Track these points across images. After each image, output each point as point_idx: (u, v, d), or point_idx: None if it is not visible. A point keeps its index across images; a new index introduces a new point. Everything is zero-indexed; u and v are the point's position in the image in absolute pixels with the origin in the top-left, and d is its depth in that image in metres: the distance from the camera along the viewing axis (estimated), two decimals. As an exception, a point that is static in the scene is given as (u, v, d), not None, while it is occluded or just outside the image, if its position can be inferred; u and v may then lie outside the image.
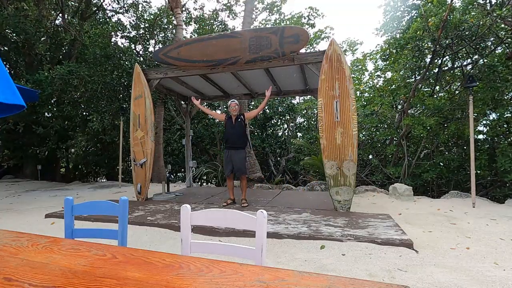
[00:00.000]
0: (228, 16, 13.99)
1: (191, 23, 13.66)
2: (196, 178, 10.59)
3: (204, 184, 11.51)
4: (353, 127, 4.50)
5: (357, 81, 11.61)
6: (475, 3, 6.43)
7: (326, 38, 15.58)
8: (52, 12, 11.42)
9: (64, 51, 11.56)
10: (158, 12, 13.33)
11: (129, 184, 9.49)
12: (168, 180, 6.84)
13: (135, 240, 3.50)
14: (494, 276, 2.44)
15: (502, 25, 6.30)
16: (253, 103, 12.55)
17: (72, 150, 12.63)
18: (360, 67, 11.86)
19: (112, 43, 9.88)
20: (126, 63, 8.73)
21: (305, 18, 14.31)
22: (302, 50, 4.88)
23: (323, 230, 3.55)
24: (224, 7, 13.91)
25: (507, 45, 6.29)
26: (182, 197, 6.18)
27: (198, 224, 1.34)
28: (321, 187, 7.38)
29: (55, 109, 10.39)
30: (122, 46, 11.80)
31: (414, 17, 7.79)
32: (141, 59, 11.58)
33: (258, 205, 5.15)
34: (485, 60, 6.33)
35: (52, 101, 10.24)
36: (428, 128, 6.33)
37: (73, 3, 12.85)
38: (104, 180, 12.54)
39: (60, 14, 11.22)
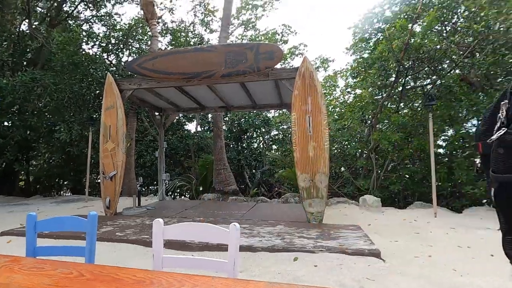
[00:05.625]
0: (205, 30, 14.14)
1: (167, 34, 13.62)
2: (169, 191, 10.30)
3: (178, 197, 11.21)
4: (325, 141, 4.68)
5: (329, 97, 12.11)
6: (433, 29, 7.07)
7: (300, 54, 16.20)
8: (18, 17, 10.88)
9: (29, 57, 10.98)
10: (133, 23, 13.17)
11: (97, 198, 9.02)
12: (139, 193, 6.61)
13: (103, 258, 3.32)
14: (452, 282, 2.62)
15: (457, 50, 6.97)
16: (228, 115, 12.58)
17: (34, 162, 11.81)
18: (332, 83, 12.42)
19: (82, 51, 9.56)
20: (98, 72, 8.46)
21: (279, 35, 14.83)
22: (278, 65, 5.05)
23: (296, 242, 3.61)
24: (201, 21, 14.07)
25: (461, 67, 6.94)
26: (154, 211, 5.98)
27: (171, 239, 1.33)
28: (295, 199, 7.49)
29: (16, 118, 9.74)
30: (93, 54, 11.46)
31: (380, 39, 8.38)
32: (114, 68, 11.29)
33: (232, 218, 5.11)
34: (442, 81, 6.92)
35: (13, 109, 9.60)
36: (394, 142, 6.73)
37: (40, 9, 12.34)
38: (69, 194, 11.81)
39: (27, 20, 10.71)
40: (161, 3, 13.09)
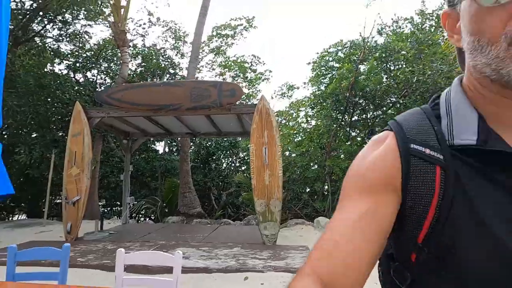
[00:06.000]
0: (176, 55, 14.66)
1: (137, 57, 13.91)
2: (133, 213, 10.23)
3: (142, 219, 11.13)
4: (279, 170, 5.26)
5: (293, 122, 13.00)
6: (379, 68, 8.21)
7: (266, 80, 17.25)
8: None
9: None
10: (103, 43, 13.34)
11: (55, 222, 8.76)
12: (102, 217, 6.67)
13: (64, 283, 3.50)
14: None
15: (396, 90, 8.12)
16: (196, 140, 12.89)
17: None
18: (295, 110, 13.38)
19: (49, 73, 9.55)
20: (65, 94, 8.52)
21: (248, 64, 15.74)
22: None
23: (249, 263, 4.04)
24: (172, 46, 14.61)
25: (399, 105, 8.07)
26: (117, 236, 6.09)
27: (131, 264, 1.74)
28: (256, 221, 7.94)
29: (-30, 137, 9.32)
30: (60, 73, 11.38)
31: (334, 74, 9.44)
32: (81, 88, 11.28)
33: (194, 241, 5.42)
34: (384, 115, 7.98)
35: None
36: (344, 169, 7.54)
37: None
38: (24, 217, 11.21)
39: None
40: (133, 29, 13.49)
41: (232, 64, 16.13)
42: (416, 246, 0.44)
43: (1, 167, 1.38)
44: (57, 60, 11.90)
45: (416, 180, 0.43)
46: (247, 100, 15.65)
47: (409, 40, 7.99)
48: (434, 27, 8.81)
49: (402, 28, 9.91)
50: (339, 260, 0.42)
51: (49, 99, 8.61)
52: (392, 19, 10.28)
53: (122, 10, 8.78)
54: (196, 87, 5.51)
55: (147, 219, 10.84)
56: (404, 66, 6.83)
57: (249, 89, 16.64)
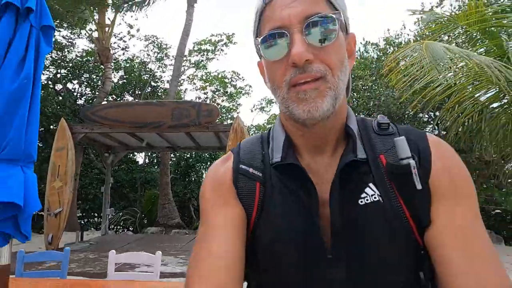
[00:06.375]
0: (158, 68, 15.06)
1: (120, 70, 14.19)
2: (111, 224, 10.35)
3: (121, 230, 11.23)
4: (251, 183, 5.81)
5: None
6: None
7: (247, 94, 17.98)
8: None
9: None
10: (84, 54, 13.56)
11: (32, 233, 8.77)
12: (82, 228, 6.89)
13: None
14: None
15: (363, 110, 8.97)
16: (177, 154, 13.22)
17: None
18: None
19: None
20: (48, 108, 8.71)
21: (228, 80, 16.40)
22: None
23: (221, 268, 4.52)
24: (155, 58, 15.02)
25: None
26: (97, 246, 6.35)
27: (121, 262, 2.21)
28: (233, 231, 8.39)
29: None
30: (41, 85, 11.46)
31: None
32: (61, 98, 11.44)
33: (172, 250, 5.81)
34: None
35: None
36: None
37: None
38: (-3, 229, 10.97)
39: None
40: (115, 42, 13.80)
41: (213, 79, 16.72)
42: (248, 244, 0.50)
43: (35, 190, 1.82)
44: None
45: (243, 194, 0.52)
46: (227, 114, 16.24)
47: (373, 65, 8.91)
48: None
49: (369, 52, 10.96)
50: (220, 275, 0.44)
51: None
52: (361, 42, 11.30)
53: (107, 28, 9.18)
54: (177, 107, 6.01)
55: (126, 230, 10.97)
56: (362, 91, 7.65)
57: (229, 103, 17.28)
